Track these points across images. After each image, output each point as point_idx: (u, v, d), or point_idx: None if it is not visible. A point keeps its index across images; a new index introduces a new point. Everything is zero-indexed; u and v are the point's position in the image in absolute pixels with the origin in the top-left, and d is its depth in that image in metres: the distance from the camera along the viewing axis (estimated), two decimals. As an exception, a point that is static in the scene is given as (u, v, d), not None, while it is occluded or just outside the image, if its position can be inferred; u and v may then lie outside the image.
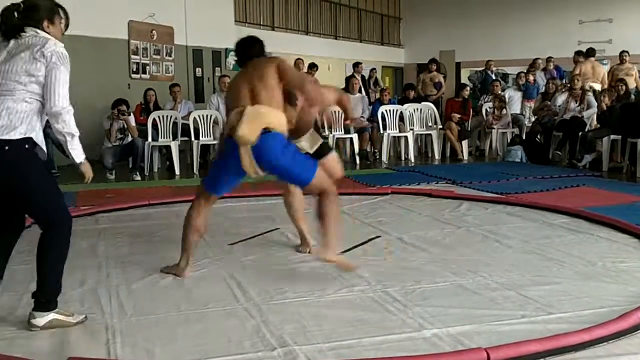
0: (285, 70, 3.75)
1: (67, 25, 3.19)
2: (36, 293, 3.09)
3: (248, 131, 3.56)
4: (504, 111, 10.91)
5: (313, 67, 11.87)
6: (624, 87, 9.63)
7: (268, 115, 3.63)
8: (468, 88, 11.36)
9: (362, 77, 13.35)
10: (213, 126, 9.50)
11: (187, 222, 3.91)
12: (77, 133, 3.05)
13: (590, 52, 12.27)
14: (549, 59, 12.76)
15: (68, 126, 3.00)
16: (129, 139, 8.75)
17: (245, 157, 3.63)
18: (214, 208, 6.01)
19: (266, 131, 3.60)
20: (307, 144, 4.32)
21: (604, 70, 12.27)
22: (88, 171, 3.19)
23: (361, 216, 5.62)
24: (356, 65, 12.92)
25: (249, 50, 3.93)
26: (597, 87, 10.68)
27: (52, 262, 3.09)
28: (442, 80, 12.82)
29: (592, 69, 11.74)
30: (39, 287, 3.09)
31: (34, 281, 3.12)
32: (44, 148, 3.11)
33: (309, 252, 4.38)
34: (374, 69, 14.78)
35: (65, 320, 3.11)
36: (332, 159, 4.44)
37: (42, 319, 3.07)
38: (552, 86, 10.63)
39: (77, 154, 3.09)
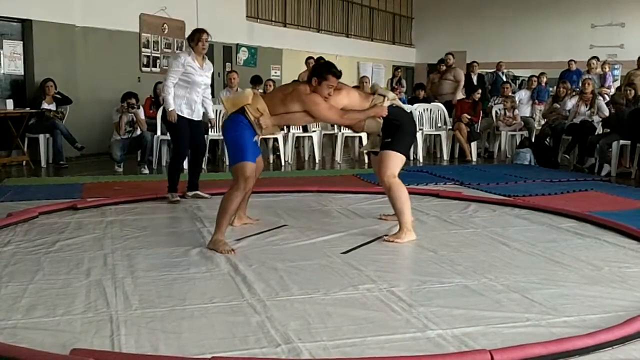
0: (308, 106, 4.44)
1: None
2: None
3: (229, 104, 4.49)
4: (516, 112, 10.87)
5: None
6: (632, 92, 9.60)
7: (252, 103, 4.33)
8: (479, 91, 11.31)
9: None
10: (222, 121, 9.49)
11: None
12: None
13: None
14: (605, 62, 12.62)
15: None
16: (138, 132, 8.78)
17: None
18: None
19: (237, 112, 4.37)
20: (368, 144, 5.15)
21: None
22: None
23: (368, 215, 5.62)
24: (397, 69, 14.79)
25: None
26: None
27: None
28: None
29: None
30: None
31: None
32: None
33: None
34: (399, 68, 14.95)
35: None
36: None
37: None
38: (563, 90, 10.59)
39: None
